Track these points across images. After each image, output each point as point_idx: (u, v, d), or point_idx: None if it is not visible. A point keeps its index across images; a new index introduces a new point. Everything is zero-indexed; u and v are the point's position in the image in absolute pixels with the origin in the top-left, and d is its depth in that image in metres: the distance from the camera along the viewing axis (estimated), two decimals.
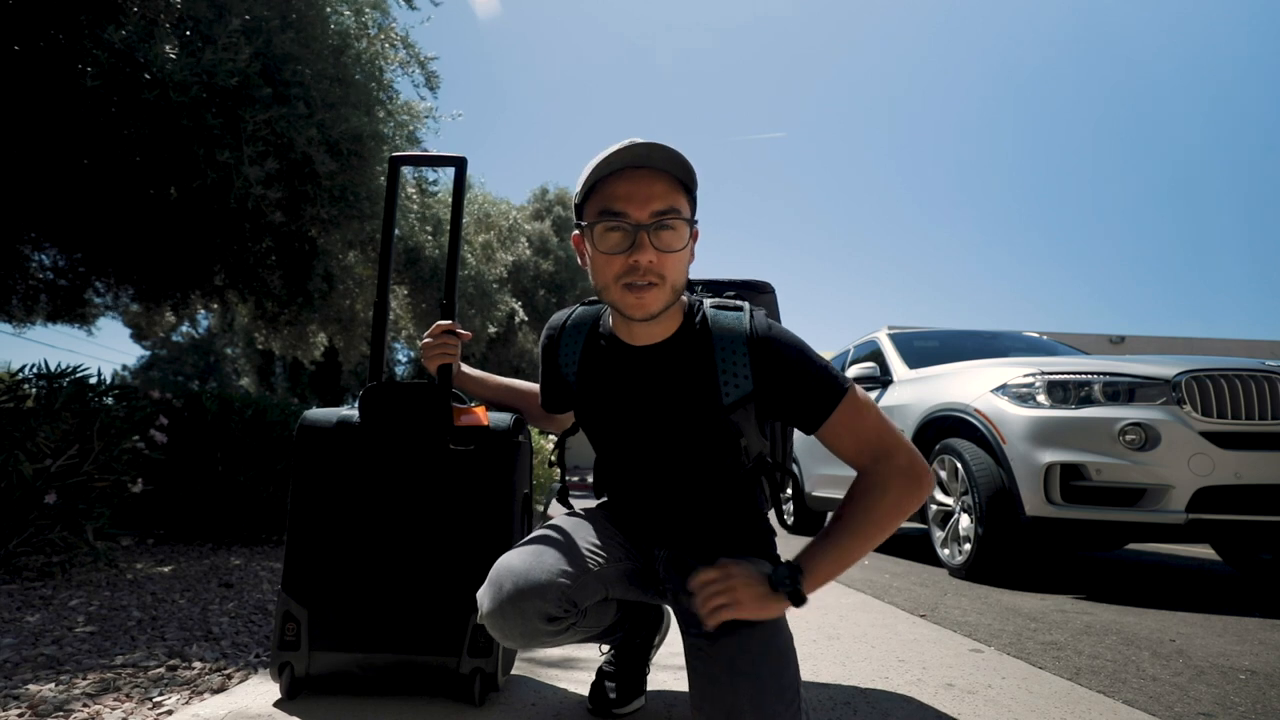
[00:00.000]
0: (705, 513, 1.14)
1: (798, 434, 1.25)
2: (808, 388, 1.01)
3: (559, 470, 1.31)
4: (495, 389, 1.40)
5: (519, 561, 1.00)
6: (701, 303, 1.11)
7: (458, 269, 1.40)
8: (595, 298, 1.15)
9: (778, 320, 1.29)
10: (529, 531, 1.35)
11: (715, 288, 1.26)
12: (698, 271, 1.25)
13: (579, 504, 1.26)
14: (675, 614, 1.13)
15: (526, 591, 0.96)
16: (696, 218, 1.04)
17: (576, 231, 1.06)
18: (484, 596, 0.99)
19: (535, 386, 1.39)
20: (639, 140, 0.97)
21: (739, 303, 1.10)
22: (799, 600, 0.93)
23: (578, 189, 1.04)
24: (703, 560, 1.04)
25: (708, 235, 1.11)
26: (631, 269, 0.97)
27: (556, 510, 1.24)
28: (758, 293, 1.28)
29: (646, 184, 0.97)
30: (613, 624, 1.20)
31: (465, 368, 1.38)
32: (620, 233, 0.97)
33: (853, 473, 1.04)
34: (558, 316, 1.23)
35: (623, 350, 1.10)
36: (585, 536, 1.10)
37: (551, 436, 1.57)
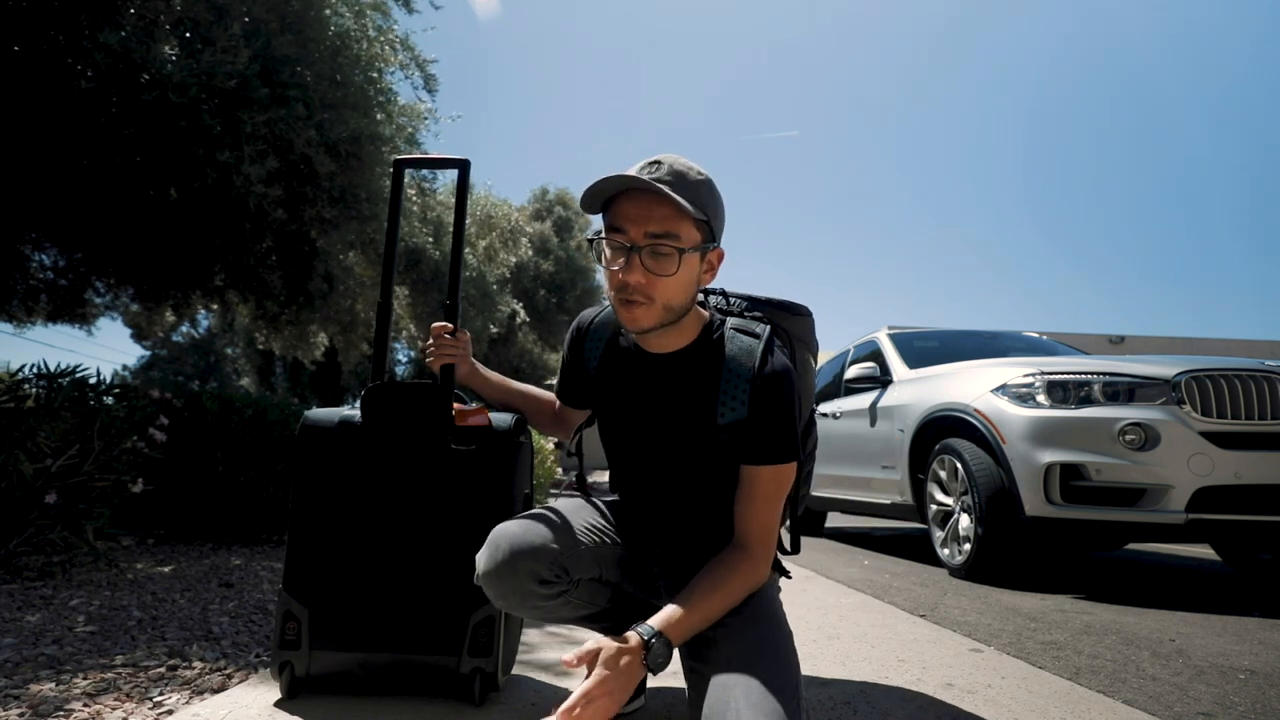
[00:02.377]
0: (700, 517, 1.16)
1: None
2: (771, 433, 1.04)
3: (578, 460, 1.33)
4: (506, 392, 1.40)
5: (516, 525, 1.05)
6: (723, 320, 1.13)
7: (461, 270, 1.40)
8: None
9: (813, 343, 1.30)
10: None
11: (753, 304, 1.25)
12: (722, 284, 1.26)
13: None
14: None
15: (522, 552, 1.01)
16: (714, 243, 1.05)
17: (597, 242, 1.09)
18: (481, 557, 1.04)
19: (548, 394, 1.40)
20: (660, 159, 1.00)
21: (759, 328, 1.11)
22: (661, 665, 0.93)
23: (582, 204, 1.06)
24: (697, 560, 1.04)
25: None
26: (623, 286, 1.00)
27: (566, 496, 1.26)
28: (792, 314, 1.26)
29: (648, 207, 0.99)
30: (607, 609, 1.20)
31: (480, 368, 1.38)
32: (617, 250, 1.01)
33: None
34: (587, 313, 1.26)
35: (639, 355, 1.14)
36: (585, 517, 1.15)
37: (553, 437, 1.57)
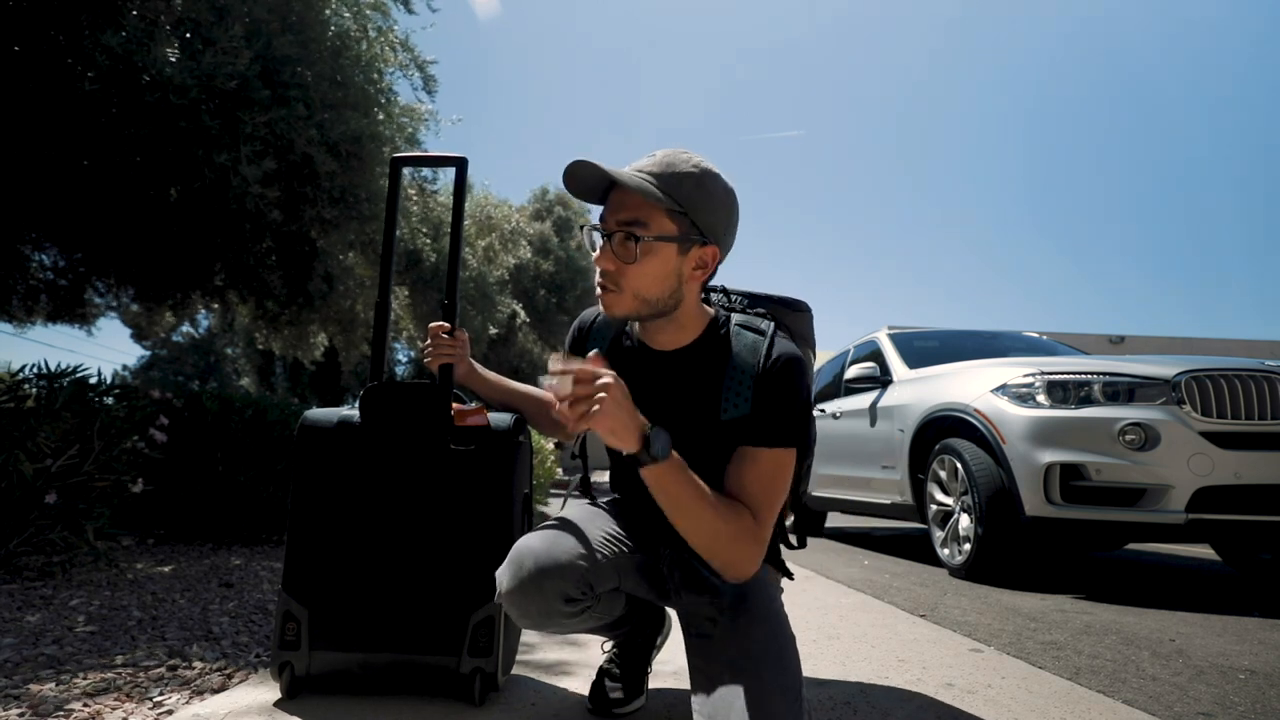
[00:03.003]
0: None
1: None
2: (773, 416, 1.04)
3: (582, 461, 1.33)
4: (506, 393, 1.40)
5: (539, 542, 1.02)
6: (729, 317, 1.14)
7: (459, 270, 1.40)
8: None
9: (812, 339, 1.30)
10: (530, 531, 1.35)
11: (753, 301, 1.26)
12: (723, 281, 1.27)
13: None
14: (677, 613, 1.14)
15: (549, 570, 0.98)
16: (701, 237, 1.04)
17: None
18: (504, 575, 1.01)
19: (548, 395, 1.39)
20: (657, 151, 1.04)
21: (764, 325, 1.12)
22: (645, 461, 0.92)
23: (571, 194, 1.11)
24: (705, 560, 1.04)
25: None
26: (599, 272, 1.04)
27: (574, 503, 1.26)
28: (792, 311, 1.27)
29: (623, 196, 1.02)
30: (621, 616, 1.21)
31: (479, 368, 1.38)
32: (598, 238, 1.05)
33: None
34: (588, 312, 1.27)
35: (643, 353, 1.14)
36: (601, 526, 1.13)
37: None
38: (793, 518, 1.28)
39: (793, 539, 1.25)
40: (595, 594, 1.05)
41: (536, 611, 1.00)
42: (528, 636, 1.76)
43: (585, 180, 1.03)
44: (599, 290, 1.05)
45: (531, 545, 1.02)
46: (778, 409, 1.04)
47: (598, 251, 1.04)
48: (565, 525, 1.09)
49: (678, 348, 1.11)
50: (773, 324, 1.13)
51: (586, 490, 1.32)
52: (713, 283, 1.27)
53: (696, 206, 1.02)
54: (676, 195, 1.00)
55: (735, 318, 1.14)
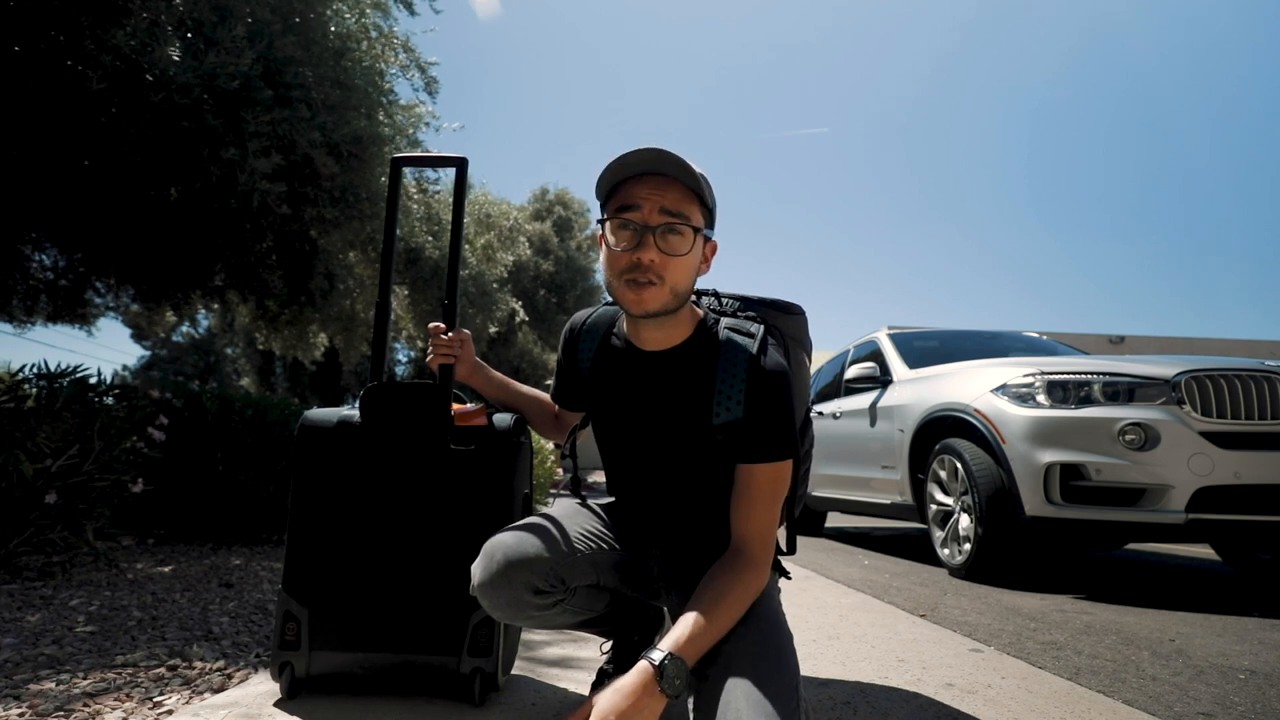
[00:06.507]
0: (698, 517, 1.15)
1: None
2: (768, 431, 1.03)
3: (571, 461, 1.33)
4: (507, 393, 1.40)
5: (511, 536, 1.04)
6: (718, 319, 1.13)
7: (459, 269, 1.40)
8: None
9: (807, 342, 1.30)
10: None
11: (746, 304, 1.24)
12: (722, 281, 1.27)
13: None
14: (669, 614, 1.14)
15: (516, 563, 1.01)
16: (711, 233, 1.06)
17: (599, 229, 1.09)
18: (476, 568, 1.03)
19: (549, 396, 1.39)
20: (660, 147, 1.00)
21: (754, 328, 1.11)
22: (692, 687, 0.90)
23: (598, 186, 1.06)
24: (696, 561, 1.04)
25: (719, 233, 1.14)
26: (634, 266, 1.00)
27: (561, 500, 1.26)
28: (786, 314, 1.26)
29: (660, 189, 1.00)
30: (605, 613, 1.21)
31: (483, 367, 1.38)
32: (630, 231, 1.01)
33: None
34: (580, 314, 1.27)
35: (632, 354, 1.13)
36: (580, 523, 1.14)
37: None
38: (786, 522, 1.27)
39: (784, 544, 1.25)
40: (568, 587, 1.06)
41: (506, 603, 1.02)
42: (529, 635, 1.76)
43: (637, 165, 1.00)
44: (630, 286, 1.01)
45: (503, 539, 1.04)
46: (770, 423, 1.03)
47: (630, 244, 1.00)
48: (541, 520, 1.10)
49: (667, 348, 1.10)
50: (762, 327, 1.12)
51: (576, 489, 1.32)
52: (705, 286, 1.27)
53: (712, 202, 1.05)
54: (701, 189, 1.02)
55: (724, 320, 1.13)
